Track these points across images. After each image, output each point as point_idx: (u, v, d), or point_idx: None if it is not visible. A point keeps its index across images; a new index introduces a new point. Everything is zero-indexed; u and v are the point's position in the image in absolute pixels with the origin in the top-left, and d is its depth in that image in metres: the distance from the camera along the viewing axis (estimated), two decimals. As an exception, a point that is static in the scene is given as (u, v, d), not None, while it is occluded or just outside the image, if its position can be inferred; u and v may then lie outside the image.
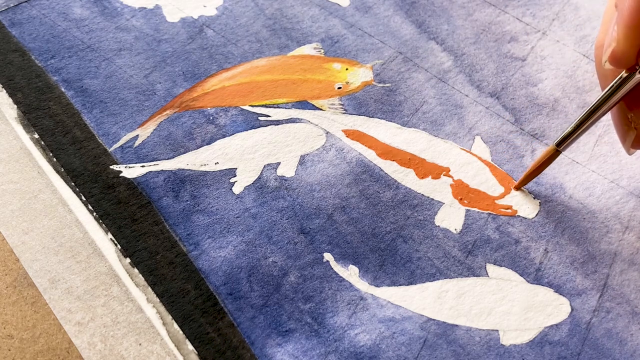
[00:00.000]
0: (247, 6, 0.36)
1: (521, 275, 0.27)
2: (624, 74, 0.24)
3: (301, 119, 0.31)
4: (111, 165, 0.29)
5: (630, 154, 0.27)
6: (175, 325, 0.24)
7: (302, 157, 0.30)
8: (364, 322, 0.25)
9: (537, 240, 0.28)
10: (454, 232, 0.28)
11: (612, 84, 0.25)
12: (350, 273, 0.26)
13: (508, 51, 0.35)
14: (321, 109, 0.32)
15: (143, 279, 0.26)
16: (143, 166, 0.29)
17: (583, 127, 0.26)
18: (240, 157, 0.29)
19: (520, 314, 0.25)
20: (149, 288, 0.25)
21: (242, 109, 0.31)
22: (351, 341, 0.25)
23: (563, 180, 0.30)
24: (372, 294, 0.26)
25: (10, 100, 0.30)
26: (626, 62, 0.24)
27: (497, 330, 0.25)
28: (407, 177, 0.29)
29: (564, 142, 0.27)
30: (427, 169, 0.30)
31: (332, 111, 0.32)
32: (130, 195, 0.28)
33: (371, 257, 0.27)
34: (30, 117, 0.30)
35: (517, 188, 0.29)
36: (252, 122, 0.31)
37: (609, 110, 0.25)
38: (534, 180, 0.29)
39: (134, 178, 0.28)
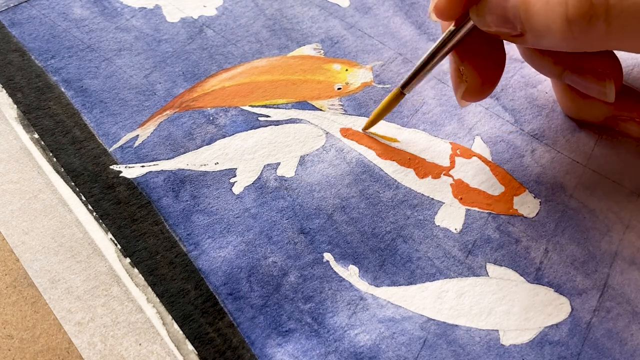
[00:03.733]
0: (247, 6, 0.36)
1: (521, 275, 0.27)
2: (452, 27, 0.25)
3: (301, 120, 0.31)
4: (111, 165, 0.29)
5: (462, 107, 0.29)
6: (175, 325, 0.24)
7: (302, 157, 0.30)
8: (364, 322, 0.25)
9: (538, 239, 0.28)
10: (454, 231, 0.28)
11: (442, 35, 0.26)
12: (350, 273, 0.26)
13: (507, 52, 0.35)
14: (321, 110, 0.32)
15: (143, 279, 0.26)
16: (143, 166, 0.29)
17: (422, 73, 0.28)
18: (240, 157, 0.29)
19: (520, 314, 0.25)
20: (149, 288, 0.25)
21: (242, 109, 0.31)
22: (351, 341, 0.25)
23: (563, 180, 0.30)
24: (372, 294, 0.26)
25: (10, 100, 0.30)
26: (449, 15, 0.25)
27: (497, 330, 0.25)
28: (407, 177, 0.29)
29: (406, 86, 0.28)
30: (427, 169, 0.30)
31: (332, 112, 0.32)
32: (130, 195, 0.28)
33: (371, 257, 0.27)
34: (30, 117, 0.30)
35: (364, 129, 0.31)
36: (252, 122, 0.31)
37: (444, 58, 0.27)
38: (534, 179, 0.29)
39: (134, 178, 0.28)
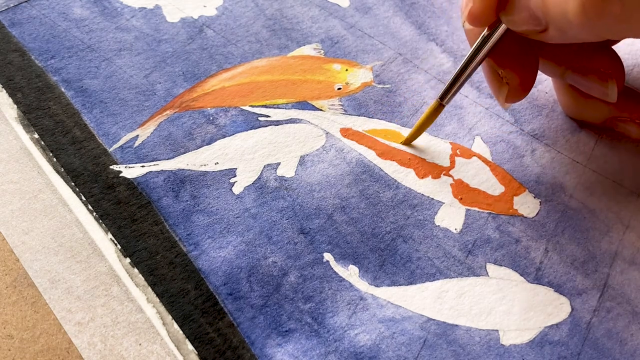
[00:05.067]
0: (247, 6, 0.36)
1: (521, 275, 0.27)
2: (485, 32, 0.25)
3: (301, 120, 0.31)
4: (111, 165, 0.29)
5: (505, 108, 0.29)
6: (175, 325, 0.24)
7: (302, 157, 0.30)
8: (364, 322, 0.25)
9: (538, 239, 0.28)
10: (454, 231, 0.28)
11: (476, 42, 0.26)
12: (350, 273, 0.26)
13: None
14: (321, 110, 0.32)
15: (143, 279, 0.26)
16: (143, 166, 0.29)
17: (459, 82, 0.27)
18: (240, 157, 0.29)
19: (521, 314, 0.25)
20: (149, 288, 0.25)
21: (242, 109, 0.31)
22: (351, 341, 0.25)
23: (563, 180, 0.30)
24: (372, 294, 0.26)
25: (10, 100, 0.30)
26: (485, 20, 0.25)
27: (497, 330, 0.25)
28: (407, 177, 0.29)
29: (445, 97, 0.28)
30: (427, 169, 0.30)
31: (332, 112, 0.32)
32: (130, 195, 0.28)
33: (371, 257, 0.27)
34: (30, 117, 0.30)
35: (406, 144, 0.30)
36: (252, 122, 0.31)
37: (479, 65, 0.27)
38: (534, 179, 0.29)
39: (134, 178, 0.28)
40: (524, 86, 0.27)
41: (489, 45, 0.26)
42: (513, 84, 0.27)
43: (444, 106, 0.29)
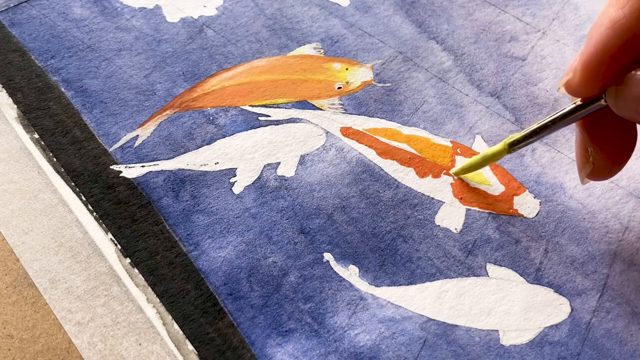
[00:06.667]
0: (247, 6, 0.36)
1: (521, 275, 0.27)
2: (579, 102, 0.23)
3: (301, 119, 0.31)
4: (111, 165, 0.29)
5: (583, 184, 0.27)
6: (175, 326, 0.24)
7: (302, 157, 0.30)
8: (364, 322, 0.25)
9: (537, 240, 0.28)
10: (454, 231, 0.28)
11: (567, 107, 0.24)
12: (350, 273, 0.26)
13: (508, 51, 0.35)
14: (321, 109, 0.32)
15: (143, 279, 0.26)
16: (143, 166, 0.29)
17: (535, 138, 0.26)
18: (240, 157, 0.29)
19: (520, 314, 0.25)
20: (149, 288, 0.25)
21: (242, 109, 0.31)
22: (351, 341, 0.25)
23: (563, 180, 0.30)
24: (372, 294, 0.26)
25: (10, 100, 0.30)
26: (579, 94, 0.23)
27: (497, 331, 0.25)
28: (407, 177, 0.29)
29: (515, 145, 0.26)
30: (427, 168, 0.30)
31: (332, 111, 0.32)
32: (130, 195, 0.28)
33: (371, 257, 0.27)
34: (30, 117, 0.30)
35: (456, 174, 0.29)
36: (252, 122, 0.31)
37: (560, 128, 0.25)
38: (534, 179, 0.29)
39: (134, 178, 0.28)
40: (612, 169, 0.25)
41: (578, 115, 0.24)
42: (599, 165, 0.25)
43: (508, 152, 0.27)
